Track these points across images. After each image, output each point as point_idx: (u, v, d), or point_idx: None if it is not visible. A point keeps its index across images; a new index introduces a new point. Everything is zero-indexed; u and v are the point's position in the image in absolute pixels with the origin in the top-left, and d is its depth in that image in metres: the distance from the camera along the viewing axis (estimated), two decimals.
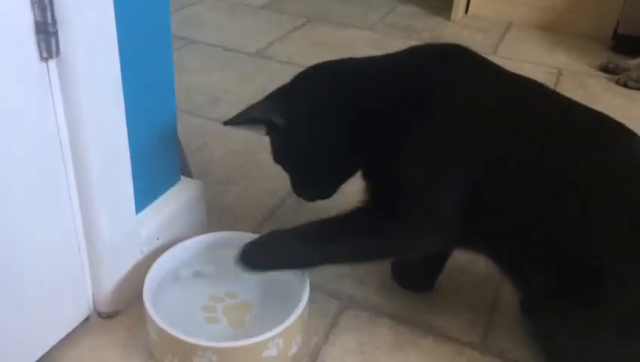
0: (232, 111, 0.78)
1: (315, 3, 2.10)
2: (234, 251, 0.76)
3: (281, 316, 0.72)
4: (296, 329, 0.74)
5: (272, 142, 0.81)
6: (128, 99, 0.71)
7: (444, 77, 0.73)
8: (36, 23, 0.59)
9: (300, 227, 0.76)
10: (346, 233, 0.74)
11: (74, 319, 0.77)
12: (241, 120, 0.76)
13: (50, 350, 0.73)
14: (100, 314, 0.80)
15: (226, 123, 0.76)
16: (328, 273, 0.89)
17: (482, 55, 0.77)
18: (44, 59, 0.61)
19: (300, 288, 0.76)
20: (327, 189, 0.83)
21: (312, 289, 0.77)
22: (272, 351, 0.70)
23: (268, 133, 0.80)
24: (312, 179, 0.81)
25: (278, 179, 0.89)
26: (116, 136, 0.71)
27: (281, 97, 0.78)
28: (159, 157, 0.84)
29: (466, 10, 2.08)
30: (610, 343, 0.65)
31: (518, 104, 0.72)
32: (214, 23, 1.88)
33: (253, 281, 0.82)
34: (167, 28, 0.78)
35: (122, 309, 0.81)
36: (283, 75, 0.81)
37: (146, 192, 0.82)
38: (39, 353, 0.72)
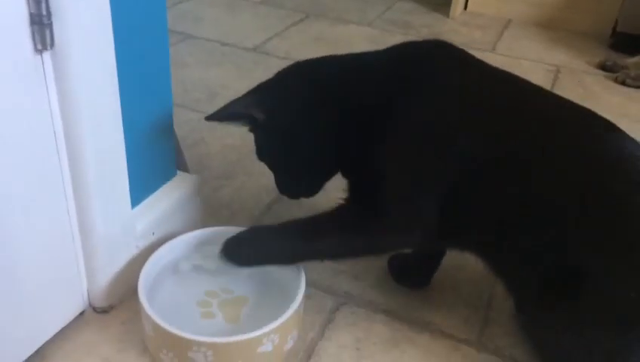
0: None
1: None
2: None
3: (276, 311, 0.71)
4: (292, 324, 0.74)
5: (255, 139, 0.81)
6: (124, 92, 0.70)
7: (424, 75, 0.73)
8: (31, 15, 0.58)
9: (284, 223, 0.77)
10: (326, 230, 0.75)
11: (69, 313, 0.76)
12: (223, 115, 0.76)
13: (44, 344, 0.73)
14: (94, 309, 0.79)
15: (207, 118, 0.76)
16: (324, 269, 0.89)
17: (465, 50, 0.77)
18: (39, 51, 0.60)
19: (295, 283, 0.76)
20: (310, 187, 0.83)
21: (308, 285, 0.77)
22: (267, 347, 0.70)
23: (251, 130, 0.80)
24: (293, 176, 0.82)
25: None
26: (112, 130, 0.71)
27: (263, 93, 0.78)
28: (155, 151, 0.83)
29: (465, 7, 2.08)
30: (597, 339, 0.66)
31: (500, 102, 0.72)
32: (212, 17, 1.87)
33: (248, 277, 0.81)
34: (163, 20, 0.77)
35: (117, 304, 0.81)
36: None
37: (141, 187, 0.82)
38: (34, 347, 0.72)
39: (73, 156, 0.68)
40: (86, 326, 0.78)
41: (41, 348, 0.73)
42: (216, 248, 0.77)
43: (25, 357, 0.71)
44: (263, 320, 0.70)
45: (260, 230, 0.79)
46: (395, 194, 0.72)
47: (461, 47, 0.78)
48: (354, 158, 0.75)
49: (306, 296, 0.76)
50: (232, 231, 0.83)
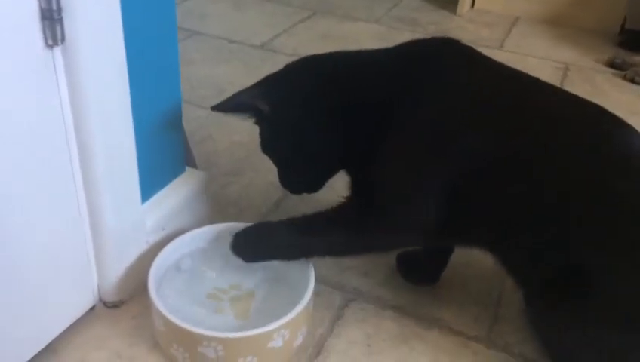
0: None
1: None
2: None
3: (285, 308, 0.71)
4: (302, 320, 0.74)
5: (260, 132, 0.81)
6: (133, 87, 0.70)
7: (431, 72, 0.73)
8: (41, 10, 0.58)
9: (290, 218, 0.77)
10: (327, 227, 0.75)
11: (79, 308, 0.77)
12: (228, 105, 0.76)
13: (55, 338, 0.73)
14: (105, 304, 0.80)
15: (213, 108, 0.76)
16: (332, 265, 0.89)
17: (475, 49, 0.76)
18: (49, 46, 0.61)
19: (304, 280, 0.76)
20: (313, 182, 0.83)
21: (317, 281, 0.77)
22: (277, 342, 0.70)
23: (256, 123, 0.80)
24: (297, 171, 0.81)
25: None
26: (121, 125, 0.71)
27: (269, 85, 0.78)
28: (164, 147, 0.84)
29: (472, 4, 2.07)
30: (601, 337, 0.65)
31: (508, 99, 0.71)
32: (219, 14, 1.87)
33: (257, 272, 0.81)
34: (172, 15, 0.77)
35: (127, 299, 0.81)
36: None
37: (151, 182, 0.82)
38: (45, 341, 0.72)
39: (83, 151, 0.68)
40: (97, 320, 0.78)
41: (52, 342, 0.73)
42: (223, 244, 0.78)
43: (36, 352, 0.71)
44: (272, 316, 0.70)
45: (265, 226, 0.79)
46: (396, 193, 0.72)
47: (469, 44, 0.77)
48: (358, 155, 0.75)
49: (315, 292, 0.76)
50: (240, 227, 0.83)
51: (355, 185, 0.77)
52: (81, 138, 0.67)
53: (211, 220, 0.91)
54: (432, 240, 0.76)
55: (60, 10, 0.59)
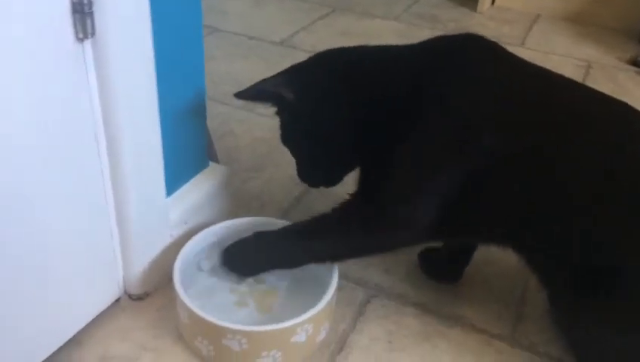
0: None
1: None
2: None
3: (308, 303, 0.71)
4: (325, 315, 0.74)
5: (281, 122, 0.80)
6: (160, 81, 0.70)
7: (456, 67, 0.72)
8: (72, 4, 0.59)
9: (285, 227, 0.78)
10: (328, 228, 0.75)
11: (105, 300, 0.77)
12: (252, 92, 0.76)
13: (81, 330, 0.74)
14: (130, 296, 0.80)
15: (236, 95, 0.76)
16: (354, 262, 0.89)
17: (500, 45, 0.75)
18: (80, 39, 0.61)
19: (328, 275, 0.76)
20: (330, 176, 0.82)
21: (339, 277, 0.76)
22: (300, 336, 0.70)
23: (278, 113, 0.80)
24: (315, 163, 0.81)
25: None
26: (149, 119, 0.71)
27: (294, 74, 0.78)
28: (189, 141, 0.84)
29: (493, 2, 2.05)
30: (629, 339, 0.65)
31: (534, 95, 0.70)
32: (238, 11, 1.88)
33: None
34: (198, 10, 0.78)
35: (152, 291, 0.82)
36: None
37: (175, 176, 0.82)
38: (70, 333, 0.73)
39: (112, 145, 0.68)
40: (121, 312, 0.79)
41: (77, 334, 0.74)
42: None
43: (61, 343, 0.72)
44: (295, 310, 0.71)
45: (257, 237, 0.78)
46: (397, 193, 0.71)
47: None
48: (376, 150, 0.74)
49: (337, 288, 0.76)
50: (264, 221, 0.83)
51: (364, 182, 0.76)
52: (110, 132, 0.68)
53: (233, 215, 0.91)
54: (436, 239, 0.76)
55: (90, 4, 0.60)
